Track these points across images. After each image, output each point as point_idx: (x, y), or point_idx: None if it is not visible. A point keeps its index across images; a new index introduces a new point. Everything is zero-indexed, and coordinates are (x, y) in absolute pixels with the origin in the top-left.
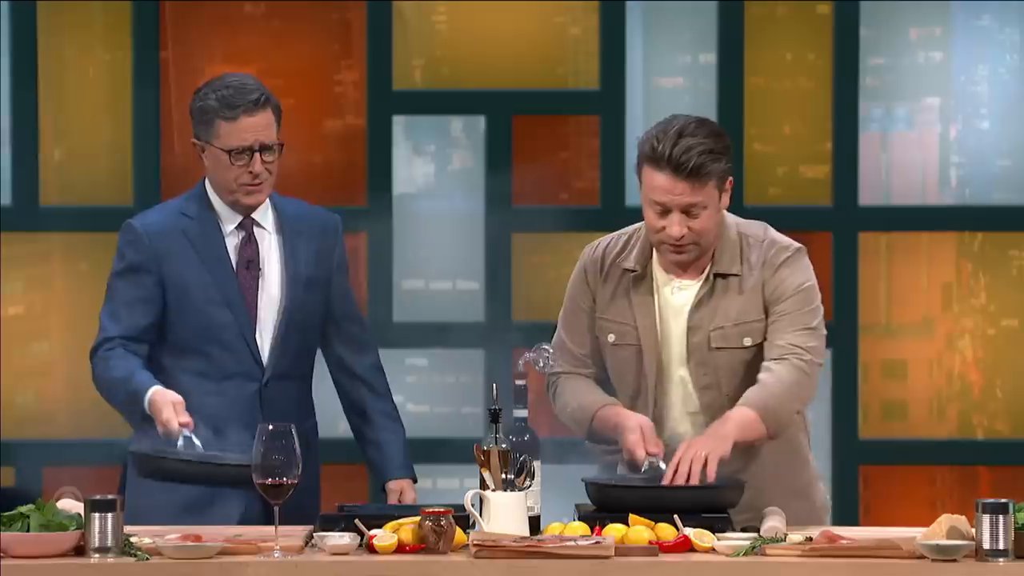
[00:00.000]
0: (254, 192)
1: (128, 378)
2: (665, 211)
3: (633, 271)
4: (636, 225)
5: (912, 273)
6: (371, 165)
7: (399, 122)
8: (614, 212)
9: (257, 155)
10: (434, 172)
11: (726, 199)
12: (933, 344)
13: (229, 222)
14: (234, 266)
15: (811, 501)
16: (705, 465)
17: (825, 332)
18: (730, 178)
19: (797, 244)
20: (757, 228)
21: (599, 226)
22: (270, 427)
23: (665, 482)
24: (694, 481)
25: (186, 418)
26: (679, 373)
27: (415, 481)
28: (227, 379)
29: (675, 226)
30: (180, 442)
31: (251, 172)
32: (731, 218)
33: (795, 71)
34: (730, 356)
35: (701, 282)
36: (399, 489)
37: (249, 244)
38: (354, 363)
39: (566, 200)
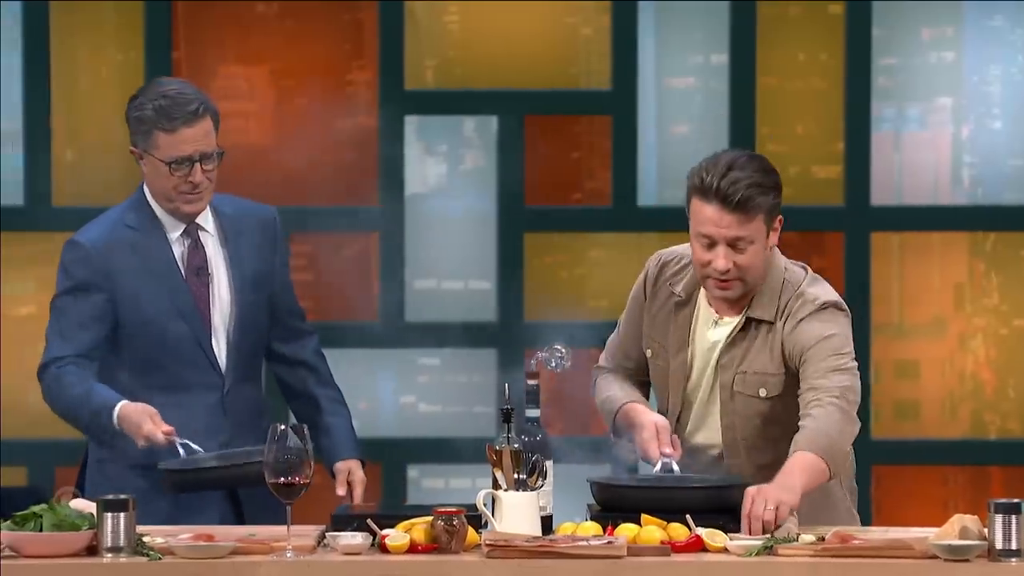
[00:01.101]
0: (194, 201)
1: (87, 394)
2: (712, 244)
3: (679, 297)
4: None
5: (924, 273)
6: (383, 165)
7: (411, 122)
8: (626, 212)
9: (197, 165)
10: (446, 172)
11: (775, 237)
12: (945, 344)
13: (174, 230)
14: (183, 275)
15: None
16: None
17: (858, 374)
18: (780, 216)
19: (828, 299)
20: (798, 275)
21: (611, 226)
22: (281, 426)
23: (744, 532)
24: (767, 530)
25: (167, 427)
26: (708, 408)
27: (364, 462)
28: (187, 391)
29: (720, 259)
30: (181, 452)
31: (191, 182)
32: (781, 260)
33: (807, 71)
34: (746, 403)
35: (736, 322)
36: (347, 469)
37: (196, 251)
38: (295, 352)
39: (578, 200)
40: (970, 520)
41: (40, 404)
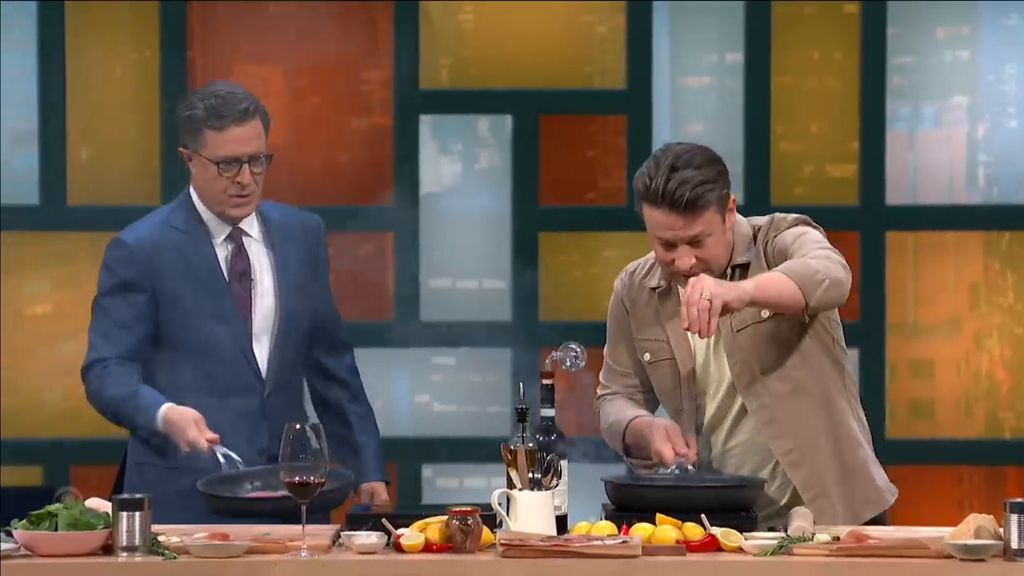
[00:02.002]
0: (242, 204)
1: (132, 395)
2: (671, 245)
3: (658, 287)
4: None
5: (939, 272)
6: (398, 164)
7: (426, 121)
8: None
9: (246, 166)
10: (461, 171)
11: (731, 218)
12: (960, 343)
13: (218, 233)
14: (226, 278)
15: (867, 480)
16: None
17: (842, 258)
18: (732, 197)
19: (799, 216)
20: (764, 218)
21: (625, 225)
22: (296, 426)
23: (682, 321)
24: (704, 324)
25: (212, 434)
26: (721, 376)
27: (388, 483)
28: (228, 394)
29: (683, 259)
30: (222, 462)
31: (239, 183)
32: (744, 219)
33: (822, 70)
34: (753, 333)
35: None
36: (371, 491)
37: (240, 255)
38: (330, 364)
39: (592, 199)
40: (985, 519)
41: (55, 403)
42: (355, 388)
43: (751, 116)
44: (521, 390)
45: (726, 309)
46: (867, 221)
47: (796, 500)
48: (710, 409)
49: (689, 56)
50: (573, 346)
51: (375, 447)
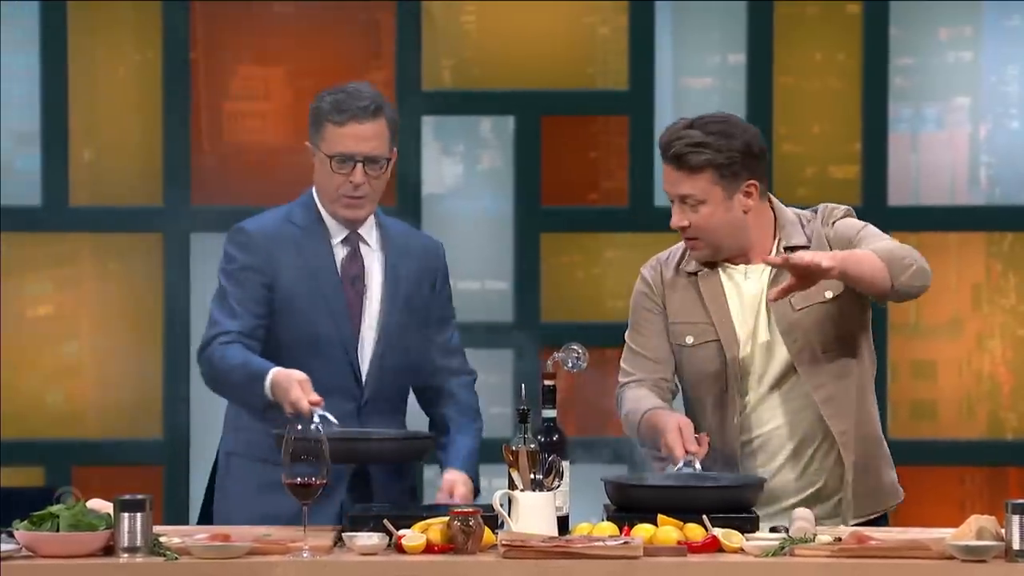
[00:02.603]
0: (354, 206)
1: (246, 363)
2: (673, 201)
3: (698, 271)
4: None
5: (941, 273)
6: (400, 165)
7: (428, 122)
8: (643, 212)
9: (359, 165)
10: (463, 172)
11: (744, 201)
12: (962, 344)
13: (336, 234)
14: (340, 279)
15: (878, 476)
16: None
17: None
18: (750, 180)
19: (848, 208)
20: (814, 208)
21: (628, 226)
22: (298, 427)
23: (793, 259)
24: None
25: (315, 396)
26: (772, 353)
27: (475, 481)
28: (327, 394)
29: (675, 215)
30: (316, 420)
31: (352, 182)
32: (787, 207)
33: (824, 71)
34: (815, 313)
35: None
36: (451, 482)
37: (355, 260)
38: (442, 384)
39: (595, 200)
40: (987, 520)
41: (57, 404)
42: (463, 402)
43: (753, 117)
44: (523, 391)
45: (818, 274)
46: (869, 222)
47: (832, 485)
48: (757, 389)
49: (691, 57)
50: (575, 347)
51: (468, 445)
